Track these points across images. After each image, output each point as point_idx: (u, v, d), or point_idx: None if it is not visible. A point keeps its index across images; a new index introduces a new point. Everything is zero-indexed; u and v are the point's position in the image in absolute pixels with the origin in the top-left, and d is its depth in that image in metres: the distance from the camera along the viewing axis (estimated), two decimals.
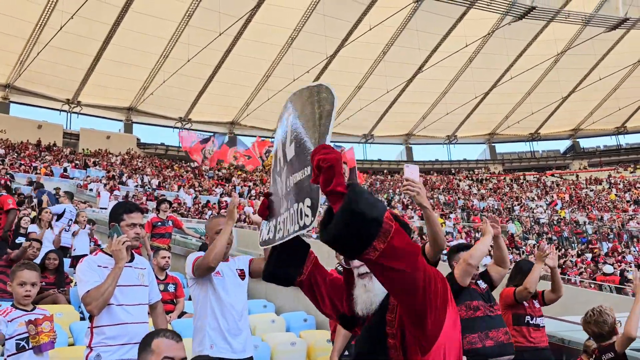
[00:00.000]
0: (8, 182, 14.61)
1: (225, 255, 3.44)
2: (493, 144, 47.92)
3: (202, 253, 3.42)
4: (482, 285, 3.79)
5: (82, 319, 5.16)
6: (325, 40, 33.99)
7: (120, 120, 38.59)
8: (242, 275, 3.50)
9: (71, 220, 8.72)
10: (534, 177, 41.36)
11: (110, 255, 3.04)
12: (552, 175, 42.38)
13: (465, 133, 46.31)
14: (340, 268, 4.39)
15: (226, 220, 3.36)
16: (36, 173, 21.86)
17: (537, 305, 4.31)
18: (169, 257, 6.07)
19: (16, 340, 2.94)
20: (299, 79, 35.65)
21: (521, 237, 26.52)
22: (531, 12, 33.90)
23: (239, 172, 34.31)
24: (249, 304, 6.75)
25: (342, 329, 3.27)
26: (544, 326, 4.34)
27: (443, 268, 2.59)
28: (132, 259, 3.13)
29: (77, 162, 27.80)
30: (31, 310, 3.12)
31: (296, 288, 6.67)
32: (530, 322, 4.16)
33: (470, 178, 41.59)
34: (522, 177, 41.24)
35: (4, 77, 32.87)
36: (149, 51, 33.13)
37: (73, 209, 9.05)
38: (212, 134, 37.80)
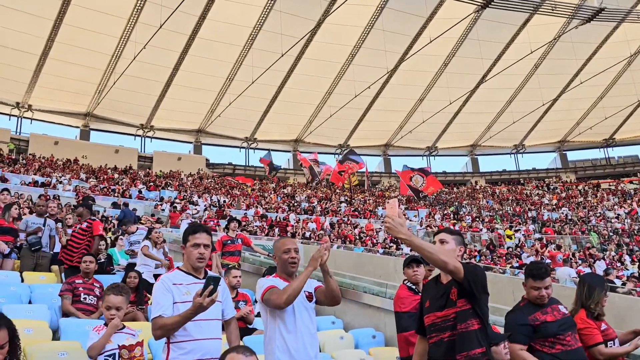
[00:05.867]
0: (91, 203, 15.56)
1: (293, 275, 3.53)
2: (564, 152, 46.04)
3: (272, 281, 3.44)
4: None
5: (158, 339, 5.47)
6: (385, 55, 34.11)
7: (190, 142, 40.24)
8: (309, 298, 3.51)
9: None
10: (610, 185, 39.31)
11: (187, 273, 3.19)
12: (631, 182, 40.10)
13: (533, 142, 44.83)
14: (409, 284, 4.53)
15: (307, 267, 3.33)
16: (115, 195, 23.19)
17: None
18: (240, 277, 6.35)
19: (105, 356, 3.20)
20: (360, 95, 35.93)
21: (599, 248, 25.24)
22: (600, 14, 32.55)
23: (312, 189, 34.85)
24: (318, 320, 6.90)
25: (419, 347, 3.32)
26: None
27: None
28: (205, 275, 3.22)
29: (151, 183, 29.16)
30: (121, 329, 3.38)
31: (365, 305, 6.78)
32: None
33: (540, 188, 40.12)
34: (597, 185, 39.31)
35: (85, 106, 35.16)
36: (216, 75, 34.48)
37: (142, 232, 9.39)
38: (276, 152, 38.75)
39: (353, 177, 33.49)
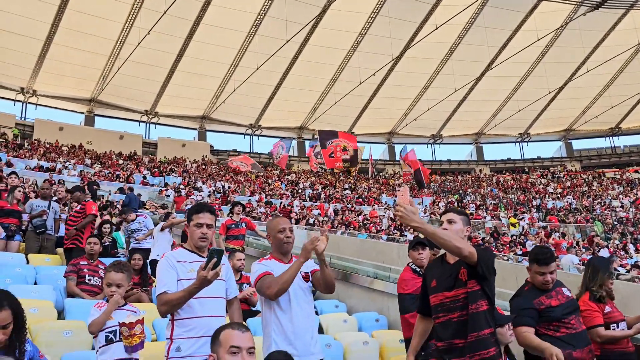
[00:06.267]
0: (95, 187, 15.64)
1: (288, 254, 3.51)
2: (569, 141, 45.80)
3: (266, 265, 3.40)
4: None
5: (164, 316, 5.51)
6: (390, 42, 33.86)
7: (195, 129, 40.21)
8: (306, 278, 3.48)
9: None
10: (615, 174, 39.14)
11: (190, 251, 3.19)
12: (636, 171, 39.90)
13: (538, 130, 44.61)
14: (414, 267, 4.54)
15: (299, 257, 3.31)
16: (120, 181, 23.26)
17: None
18: (244, 259, 6.37)
19: (106, 333, 3.21)
20: (365, 82, 35.75)
21: (603, 237, 25.17)
22: (608, 1, 32.17)
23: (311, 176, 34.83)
24: (321, 304, 6.96)
25: (419, 327, 3.35)
26: None
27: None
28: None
29: (155, 169, 29.21)
30: (122, 306, 3.39)
31: (368, 289, 6.83)
32: None
33: (545, 176, 39.99)
34: (602, 174, 39.13)
35: (89, 92, 35.15)
36: (220, 61, 34.35)
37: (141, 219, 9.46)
38: (280, 138, 38.70)
39: (345, 163, 33.30)
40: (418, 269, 4.49)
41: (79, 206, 7.61)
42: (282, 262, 3.46)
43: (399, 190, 2.86)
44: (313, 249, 3.25)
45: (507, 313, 3.90)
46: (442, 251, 3.26)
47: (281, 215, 16.61)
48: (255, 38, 33.08)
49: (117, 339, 3.17)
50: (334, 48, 34.91)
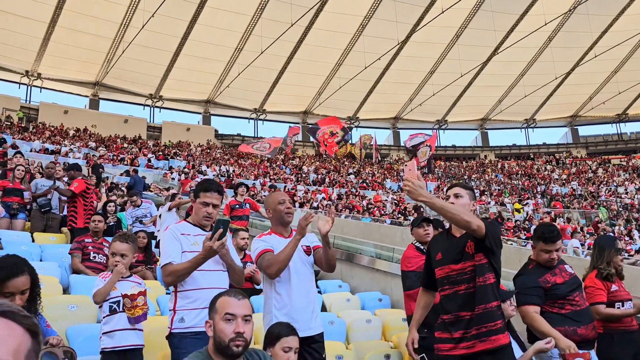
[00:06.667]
0: (100, 170, 15.69)
1: (288, 226, 3.50)
2: (575, 127, 45.53)
3: (266, 241, 3.40)
4: None
5: (168, 293, 5.56)
6: (396, 26, 33.55)
7: (199, 113, 40.16)
8: (307, 252, 3.48)
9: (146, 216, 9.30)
10: (621, 161, 38.93)
11: (194, 225, 3.19)
12: None
13: (544, 116, 44.33)
14: (417, 244, 4.54)
15: (295, 235, 3.31)
16: (125, 163, 23.32)
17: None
18: (247, 238, 6.38)
19: (110, 303, 3.24)
20: (370, 67, 35.52)
21: (608, 224, 25.14)
22: None
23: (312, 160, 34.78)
24: (325, 284, 6.98)
25: (422, 300, 3.35)
26: None
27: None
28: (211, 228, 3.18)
29: (160, 152, 29.25)
30: (127, 277, 3.42)
31: (371, 269, 6.85)
32: None
33: (550, 162, 39.82)
34: (607, 161, 38.93)
35: (94, 75, 35.08)
36: (225, 45, 34.16)
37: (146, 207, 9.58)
38: (285, 123, 38.58)
39: (340, 144, 32.96)
40: (422, 247, 4.49)
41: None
42: (282, 236, 3.47)
43: (406, 165, 2.85)
44: (307, 224, 3.25)
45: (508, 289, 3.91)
46: (446, 226, 3.26)
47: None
48: (260, 21, 32.86)
49: (121, 309, 3.21)
50: (339, 32, 34.65)
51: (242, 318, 2.21)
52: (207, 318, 2.78)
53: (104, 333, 3.19)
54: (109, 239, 6.56)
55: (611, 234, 16.96)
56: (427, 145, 25.81)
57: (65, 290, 5.25)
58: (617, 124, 44.86)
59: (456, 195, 3.11)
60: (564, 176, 35.20)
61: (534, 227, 19.16)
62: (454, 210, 2.82)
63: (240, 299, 2.25)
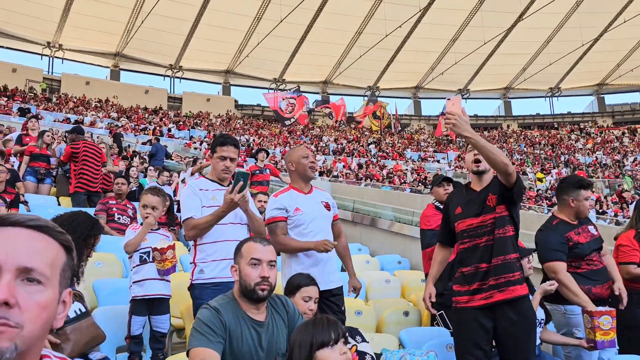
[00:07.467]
0: (121, 139, 15.89)
1: (310, 186, 3.49)
2: (602, 95, 44.38)
3: (283, 201, 3.36)
4: None
5: (190, 240, 5.68)
6: None
7: (219, 83, 40.15)
8: (327, 207, 3.47)
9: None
10: None
11: (212, 181, 3.22)
12: None
13: (570, 85, 43.29)
14: (436, 204, 4.51)
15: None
16: (145, 134, 23.56)
17: None
18: (265, 202, 6.42)
19: (140, 253, 3.34)
20: (391, 35, 34.95)
21: (633, 193, 24.69)
22: None
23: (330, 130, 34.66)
24: None
25: (438, 255, 3.35)
26: None
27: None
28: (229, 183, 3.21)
29: (181, 123, 29.44)
30: (156, 230, 3.50)
31: (391, 233, 6.83)
32: None
33: (574, 132, 39.07)
34: (634, 130, 38.02)
35: (114, 46, 35.21)
36: (243, 13, 33.88)
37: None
38: (306, 93, 38.29)
39: (385, 120, 32.67)
40: (441, 206, 4.47)
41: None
42: (302, 192, 3.44)
43: (449, 100, 2.78)
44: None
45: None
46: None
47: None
48: None
49: (150, 259, 3.30)
50: None
51: (267, 263, 2.26)
52: (226, 269, 2.82)
53: (134, 282, 3.29)
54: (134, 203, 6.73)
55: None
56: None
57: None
58: None
59: (477, 161, 3.06)
60: (589, 145, 34.54)
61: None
62: (496, 150, 2.78)
63: (265, 245, 2.30)
